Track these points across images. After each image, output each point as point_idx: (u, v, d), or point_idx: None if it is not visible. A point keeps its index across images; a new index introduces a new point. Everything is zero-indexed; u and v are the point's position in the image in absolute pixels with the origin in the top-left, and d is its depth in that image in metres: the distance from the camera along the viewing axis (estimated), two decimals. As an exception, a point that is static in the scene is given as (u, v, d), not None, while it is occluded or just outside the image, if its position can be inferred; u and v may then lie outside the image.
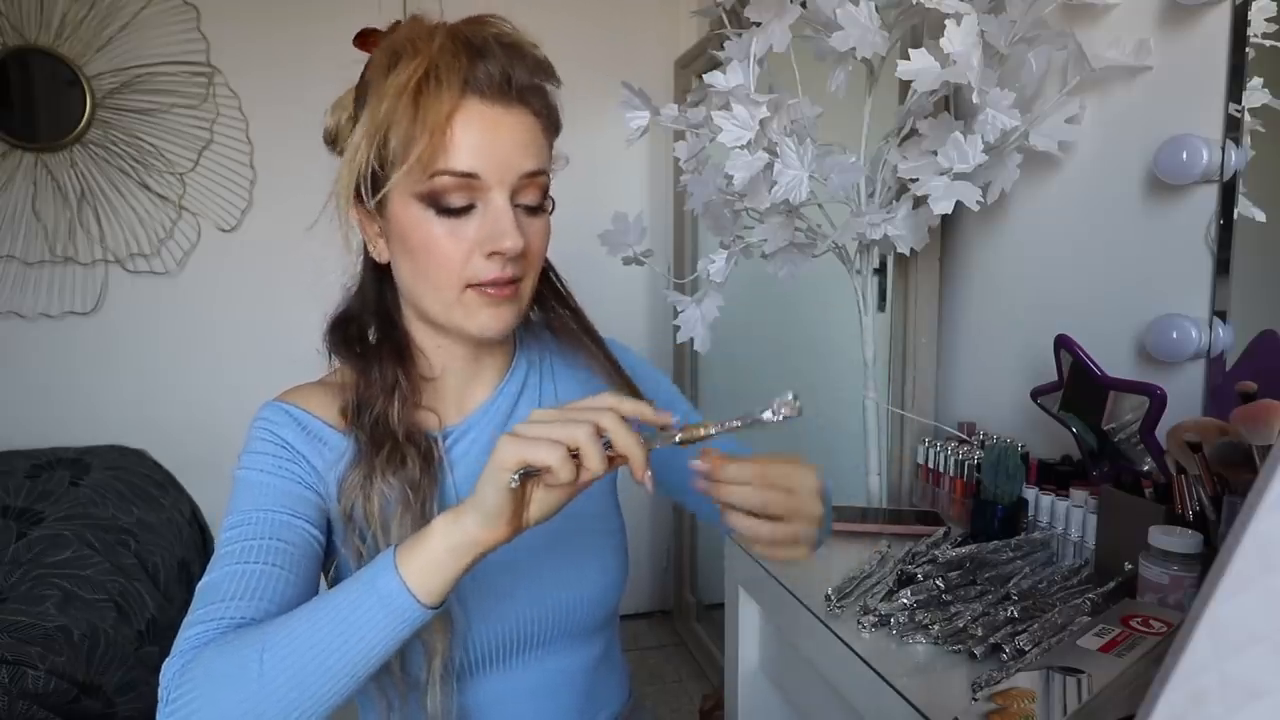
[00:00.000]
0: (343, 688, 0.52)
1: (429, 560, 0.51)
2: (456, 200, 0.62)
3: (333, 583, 0.68)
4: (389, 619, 0.51)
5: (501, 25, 0.65)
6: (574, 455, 0.50)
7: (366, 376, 0.68)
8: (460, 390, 0.73)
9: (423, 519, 0.64)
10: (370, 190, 0.64)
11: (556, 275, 0.78)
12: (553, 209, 0.69)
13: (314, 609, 0.53)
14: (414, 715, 0.67)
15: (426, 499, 0.65)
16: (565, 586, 0.72)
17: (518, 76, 0.63)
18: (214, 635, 0.56)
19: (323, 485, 0.66)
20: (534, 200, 0.65)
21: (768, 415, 0.53)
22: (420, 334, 0.71)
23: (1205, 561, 0.77)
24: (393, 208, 0.64)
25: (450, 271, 0.63)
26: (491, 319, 0.65)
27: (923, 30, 1.28)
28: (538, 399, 0.76)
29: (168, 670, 0.55)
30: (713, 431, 0.53)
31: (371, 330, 0.71)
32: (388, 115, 0.60)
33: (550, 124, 0.67)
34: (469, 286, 0.64)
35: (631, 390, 0.77)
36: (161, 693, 0.54)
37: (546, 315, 0.78)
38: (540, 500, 0.53)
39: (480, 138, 0.61)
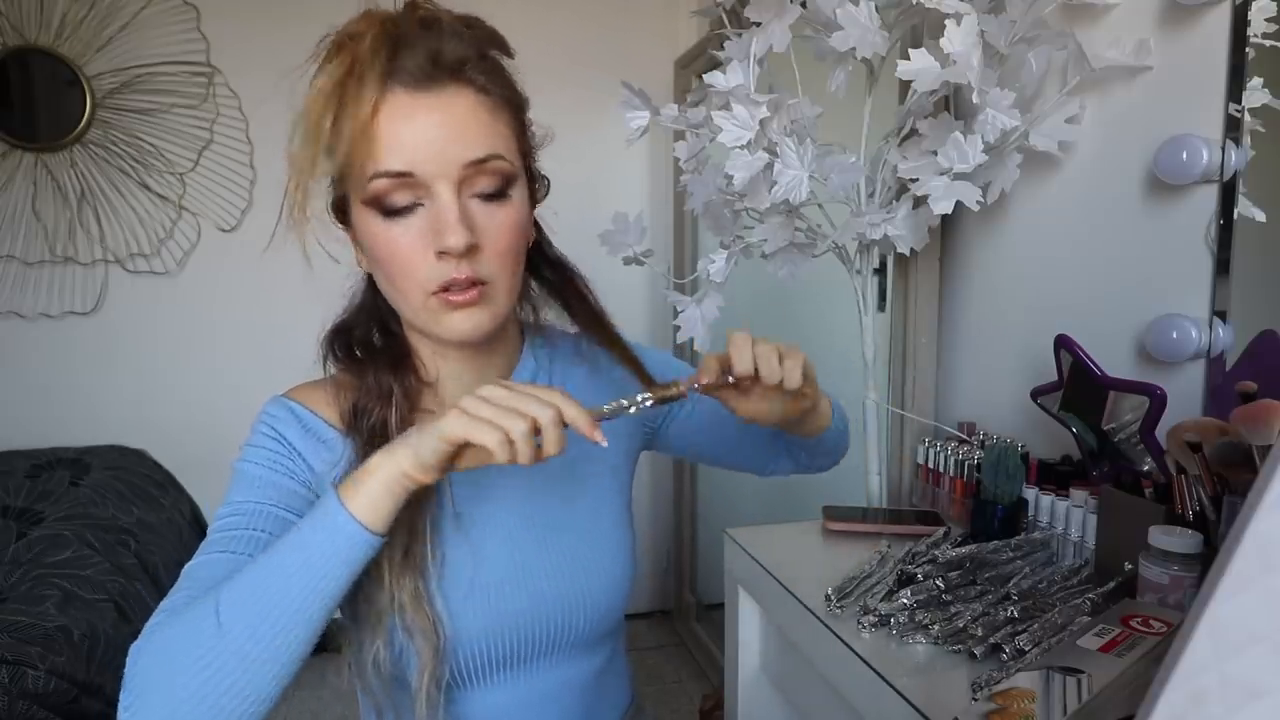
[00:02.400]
0: (302, 632, 0.53)
1: (367, 492, 0.54)
2: (399, 201, 0.59)
3: None
4: (337, 546, 0.53)
5: (429, 7, 0.60)
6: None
7: (363, 382, 0.67)
8: (460, 395, 0.71)
9: (417, 528, 0.64)
10: (332, 202, 0.64)
11: (573, 274, 0.76)
12: (544, 194, 0.66)
13: (264, 556, 0.53)
14: None
15: (420, 507, 0.64)
16: (569, 600, 0.70)
17: (446, 55, 0.58)
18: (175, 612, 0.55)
19: (319, 485, 0.65)
20: (491, 188, 0.60)
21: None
22: (414, 339, 0.70)
23: (1205, 561, 0.77)
24: (354, 217, 0.63)
25: (411, 278, 0.61)
26: (461, 321, 0.62)
27: (923, 30, 1.28)
28: None
29: (130, 651, 0.54)
30: (680, 389, 0.60)
31: (375, 334, 0.71)
32: (317, 123, 0.57)
33: (503, 99, 0.61)
34: (431, 294, 0.61)
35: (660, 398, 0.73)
36: (125, 672, 0.53)
37: (573, 319, 0.76)
38: (471, 458, 0.55)
39: (408, 132, 0.57)
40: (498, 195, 0.61)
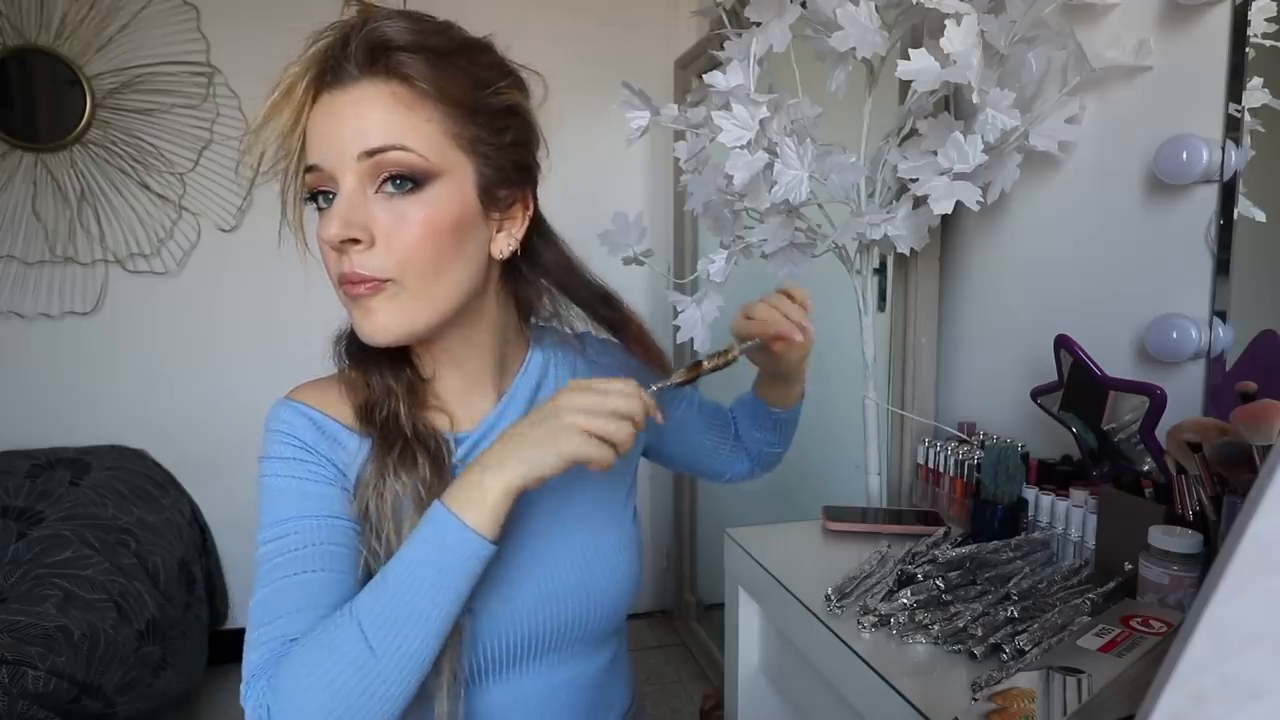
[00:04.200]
0: (439, 642, 0.57)
1: (490, 509, 0.57)
2: (319, 193, 0.61)
3: None
4: (467, 561, 0.56)
5: (366, 6, 0.61)
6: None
7: (369, 379, 0.67)
8: (464, 391, 0.71)
9: None
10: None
11: (588, 279, 0.76)
12: (522, 201, 0.66)
13: (390, 582, 0.56)
14: None
15: (424, 506, 0.64)
16: (579, 593, 0.71)
17: (365, 51, 0.58)
18: (285, 651, 0.56)
19: (347, 482, 0.65)
20: (393, 183, 0.59)
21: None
22: None
23: (1205, 561, 0.77)
24: None
25: (329, 270, 0.62)
26: (360, 319, 0.61)
27: (923, 30, 1.28)
28: None
29: (250, 695, 0.56)
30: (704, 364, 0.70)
31: None
32: (273, 121, 0.60)
33: (434, 92, 0.59)
34: (339, 286, 0.62)
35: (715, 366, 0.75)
36: (257, 713, 0.55)
37: (596, 325, 0.78)
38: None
39: (319, 126, 0.59)
40: (405, 190, 0.59)
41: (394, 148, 0.58)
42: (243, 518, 2.35)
